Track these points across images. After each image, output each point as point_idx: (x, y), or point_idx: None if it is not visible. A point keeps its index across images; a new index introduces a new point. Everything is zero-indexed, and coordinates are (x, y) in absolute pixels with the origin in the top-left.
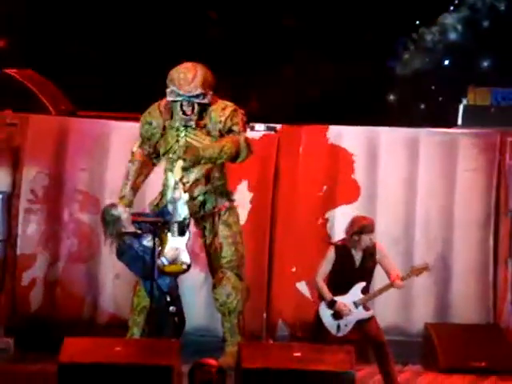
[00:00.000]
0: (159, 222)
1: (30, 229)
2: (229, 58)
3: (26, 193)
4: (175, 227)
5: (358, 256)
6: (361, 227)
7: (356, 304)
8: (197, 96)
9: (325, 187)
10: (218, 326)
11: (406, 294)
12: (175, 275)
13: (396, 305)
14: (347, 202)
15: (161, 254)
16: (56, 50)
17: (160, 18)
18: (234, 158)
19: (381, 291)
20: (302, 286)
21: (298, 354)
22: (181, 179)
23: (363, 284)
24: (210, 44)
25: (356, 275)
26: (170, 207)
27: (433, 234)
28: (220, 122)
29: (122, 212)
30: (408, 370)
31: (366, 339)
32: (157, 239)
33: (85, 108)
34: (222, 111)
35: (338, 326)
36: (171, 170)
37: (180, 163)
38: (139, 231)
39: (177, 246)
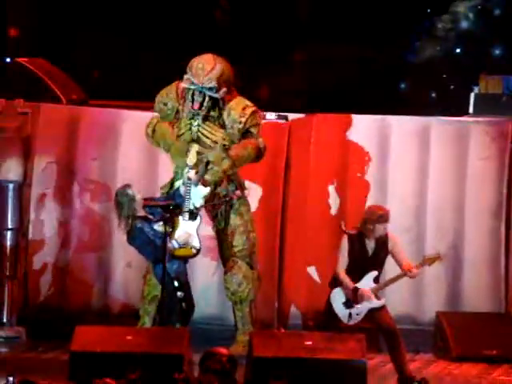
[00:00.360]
0: (170, 205)
1: (41, 218)
2: (239, 45)
3: (38, 182)
4: (186, 211)
5: (371, 245)
6: (376, 216)
7: (376, 290)
8: (210, 89)
9: (336, 176)
10: (229, 315)
11: (417, 283)
12: (185, 259)
13: (407, 294)
14: (358, 191)
15: (171, 237)
16: (67, 38)
17: (172, 6)
18: (253, 161)
19: (393, 280)
20: (313, 273)
21: (310, 343)
22: (196, 164)
23: (375, 273)
24: (220, 30)
25: (368, 264)
26: (181, 190)
27: (444, 222)
28: (240, 122)
29: (135, 193)
30: (419, 359)
31: (378, 328)
32: (168, 223)
33: (96, 97)
34: (242, 111)
35: (350, 315)
36: (183, 156)
37: (195, 147)
38: (150, 216)
39: (188, 230)
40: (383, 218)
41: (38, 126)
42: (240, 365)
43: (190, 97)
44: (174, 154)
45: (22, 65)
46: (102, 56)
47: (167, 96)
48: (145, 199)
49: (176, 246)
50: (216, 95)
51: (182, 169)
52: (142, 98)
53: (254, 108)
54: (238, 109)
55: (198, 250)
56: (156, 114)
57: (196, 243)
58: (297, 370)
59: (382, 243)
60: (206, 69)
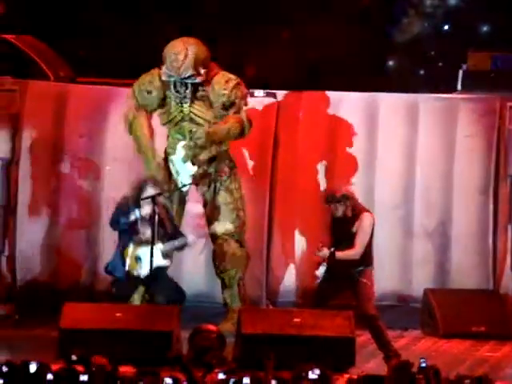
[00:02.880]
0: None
1: (29, 194)
2: (225, 21)
3: (26, 159)
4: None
5: (334, 222)
6: (330, 198)
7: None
8: (188, 77)
9: (325, 153)
10: (217, 293)
11: (405, 261)
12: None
13: (396, 271)
14: (347, 169)
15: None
16: (56, 15)
17: None
18: (238, 136)
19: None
20: (302, 251)
21: (298, 320)
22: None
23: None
24: (207, 8)
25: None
26: (173, 170)
27: (432, 199)
28: (223, 94)
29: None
30: (408, 336)
31: (357, 312)
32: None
33: (84, 74)
34: (225, 84)
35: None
36: (176, 139)
37: (181, 144)
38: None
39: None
40: (337, 199)
41: (25, 104)
42: (229, 342)
43: (172, 88)
44: (144, 160)
45: (10, 42)
46: (90, 33)
47: (150, 84)
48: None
49: (131, 249)
50: (197, 80)
51: (174, 146)
52: (130, 76)
53: (237, 80)
54: (222, 82)
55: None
56: (131, 103)
57: (144, 266)
58: (285, 347)
59: (343, 221)
60: (179, 59)
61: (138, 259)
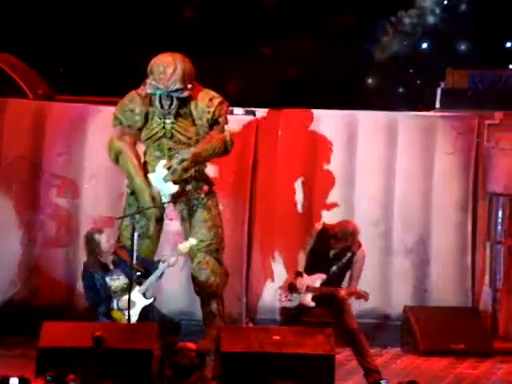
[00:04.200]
0: (138, 270)
1: (7, 213)
2: (205, 39)
3: (3, 177)
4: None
5: (335, 249)
6: (347, 234)
7: (307, 289)
8: (176, 91)
9: (304, 171)
10: (196, 310)
11: (384, 277)
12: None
13: (375, 288)
14: (326, 186)
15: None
16: (33, 33)
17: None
18: (222, 154)
19: (324, 291)
20: (280, 268)
21: (278, 338)
22: (169, 168)
23: (324, 277)
24: (186, 26)
25: (325, 265)
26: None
27: (411, 217)
28: (208, 112)
29: (103, 240)
30: (387, 353)
31: (339, 326)
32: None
33: (63, 92)
34: (209, 101)
35: (286, 296)
36: (154, 156)
37: (162, 162)
38: (111, 265)
39: (133, 300)
40: (352, 237)
41: (4, 121)
42: (208, 360)
43: (157, 102)
44: (136, 190)
45: None
46: (68, 51)
47: (131, 102)
48: (119, 246)
49: (115, 307)
50: (183, 95)
51: (153, 164)
52: (109, 94)
53: (220, 98)
54: (205, 100)
55: (128, 320)
56: (114, 131)
57: (133, 313)
58: (265, 365)
59: (345, 253)
60: (167, 72)
61: (122, 311)
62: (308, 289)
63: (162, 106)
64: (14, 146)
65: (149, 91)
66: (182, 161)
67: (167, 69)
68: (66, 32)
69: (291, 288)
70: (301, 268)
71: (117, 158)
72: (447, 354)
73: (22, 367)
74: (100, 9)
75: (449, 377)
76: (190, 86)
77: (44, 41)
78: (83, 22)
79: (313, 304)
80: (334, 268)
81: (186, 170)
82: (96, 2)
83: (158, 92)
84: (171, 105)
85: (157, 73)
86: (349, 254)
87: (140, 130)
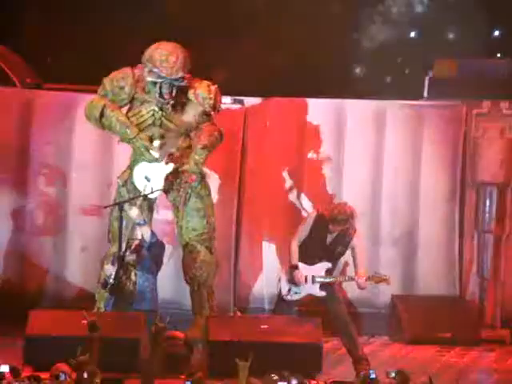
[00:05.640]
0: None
1: None
2: (189, 28)
3: None
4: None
5: (332, 235)
6: (345, 218)
7: (314, 280)
8: (178, 79)
9: (292, 160)
10: (185, 299)
11: (372, 267)
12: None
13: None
14: (314, 176)
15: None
16: (21, 21)
17: None
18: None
19: (341, 281)
20: (270, 257)
21: (266, 327)
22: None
23: (329, 265)
24: (168, 15)
25: (325, 251)
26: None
27: (399, 207)
28: (210, 98)
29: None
30: (375, 342)
31: (329, 314)
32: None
33: (51, 81)
34: (208, 88)
35: (289, 290)
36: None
37: (157, 142)
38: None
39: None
40: (350, 220)
41: None
42: (196, 349)
43: (157, 89)
44: (131, 140)
45: None
46: (56, 39)
47: (123, 80)
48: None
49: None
50: (184, 83)
51: (140, 154)
52: (97, 82)
53: (216, 85)
54: (203, 87)
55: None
56: (99, 94)
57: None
58: (253, 354)
59: (343, 238)
60: (170, 60)
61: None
62: (321, 280)
63: (160, 95)
64: (1, 134)
65: (149, 79)
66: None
67: (170, 57)
68: (52, 18)
69: (291, 282)
70: (295, 260)
71: (101, 114)
72: (434, 343)
73: (10, 356)
74: None
75: (436, 365)
76: (189, 75)
77: (30, 28)
78: (70, 10)
79: (323, 293)
80: (336, 253)
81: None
82: None
83: (160, 80)
84: (171, 93)
85: (159, 61)
86: (347, 238)
87: (122, 107)
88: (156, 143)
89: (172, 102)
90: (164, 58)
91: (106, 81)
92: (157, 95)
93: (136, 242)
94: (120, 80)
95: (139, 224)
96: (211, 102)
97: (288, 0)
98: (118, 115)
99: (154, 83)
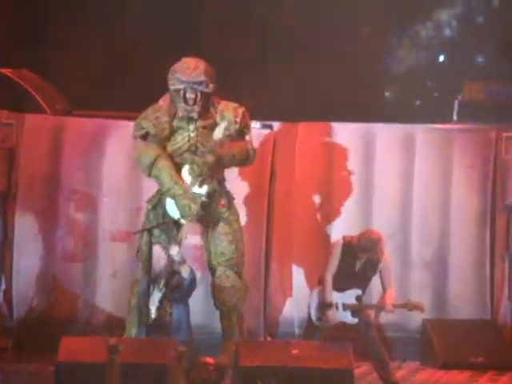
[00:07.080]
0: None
1: (26, 229)
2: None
3: (22, 192)
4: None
5: (361, 261)
6: (373, 244)
7: (345, 307)
8: (200, 83)
9: (321, 184)
10: (215, 324)
11: (403, 290)
12: None
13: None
14: (344, 200)
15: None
16: (51, 49)
17: (156, 18)
18: (243, 163)
19: (369, 308)
20: (300, 282)
21: (296, 351)
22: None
23: (359, 292)
24: (202, 43)
25: (355, 278)
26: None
27: (429, 230)
28: (236, 122)
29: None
30: (406, 367)
31: (361, 339)
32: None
33: (81, 107)
34: (235, 111)
35: (319, 318)
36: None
37: (186, 168)
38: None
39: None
40: (378, 245)
41: (22, 137)
42: (227, 374)
43: (181, 97)
44: (176, 197)
45: (6, 76)
46: (86, 66)
47: (156, 112)
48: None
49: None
50: (207, 89)
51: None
52: (126, 109)
53: (243, 108)
54: (230, 110)
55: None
56: (139, 141)
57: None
58: (283, 379)
59: (371, 263)
60: (191, 66)
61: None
62: (351, 307)
63: (185, 101)
64: (32, 161)
65: (172, 87)
66: (205, 160)
67: (191, 63)
68: (83, 47)
69: (322, 314)
70: (329, 293)
71: (152, 165)
72: (466, 368)
73: (40, 383)
74: (116, 23)
75: None
76: (211, 85)
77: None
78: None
79: (355, 320)
80: (365, 279)
81: (209, 168)
82: (114, 18)
83: (182, 86)
84: (195, 99)
85: (180, 68)
86: (376, 262)
87: (166, 139)
88: (185, 169)
89: (197, 109)
90: (185, 65)
91: (140, 119)
92: (182, 103)
93: (176, 281)
94: (152, 113)
95: (179, 263)
96: (236, 126)
97: (320, 20)
98: (171, 169)
99: (178, 91)
